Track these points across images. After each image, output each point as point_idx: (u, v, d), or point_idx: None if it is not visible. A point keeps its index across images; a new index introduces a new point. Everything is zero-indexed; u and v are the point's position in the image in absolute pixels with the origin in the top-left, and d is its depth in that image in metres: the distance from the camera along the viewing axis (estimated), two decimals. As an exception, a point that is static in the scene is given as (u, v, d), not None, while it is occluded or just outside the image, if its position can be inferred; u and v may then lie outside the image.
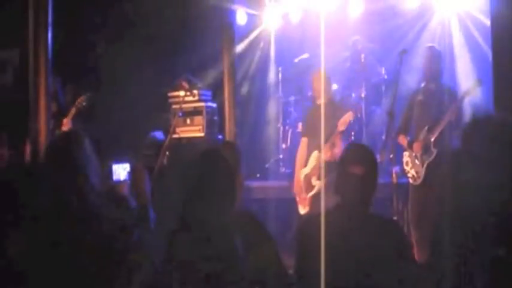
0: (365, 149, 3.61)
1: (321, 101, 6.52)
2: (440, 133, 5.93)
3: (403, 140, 6.29)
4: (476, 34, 7.93)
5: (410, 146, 6.16)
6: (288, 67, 9.33)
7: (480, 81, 5.87)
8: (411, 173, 6.08)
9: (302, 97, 9.07)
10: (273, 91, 9.59)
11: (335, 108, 6.46)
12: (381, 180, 3.54)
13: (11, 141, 5.96)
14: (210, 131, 8.16)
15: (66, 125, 6.86)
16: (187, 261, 2.80)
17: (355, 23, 8.74)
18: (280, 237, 5.67)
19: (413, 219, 6.00)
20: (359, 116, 8.47)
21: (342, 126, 6.27)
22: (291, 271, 3.47)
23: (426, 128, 6.04)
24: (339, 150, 6.16)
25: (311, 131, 6.51)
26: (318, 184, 6.25)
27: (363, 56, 8.72)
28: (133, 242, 3.05)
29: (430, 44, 6.64)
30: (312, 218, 3.45)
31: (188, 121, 8.16)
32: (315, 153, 6.40)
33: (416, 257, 5.13)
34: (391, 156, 5.96)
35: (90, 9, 8.57)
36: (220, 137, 8.30)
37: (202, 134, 8.11)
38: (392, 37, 8.49)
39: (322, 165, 6.18)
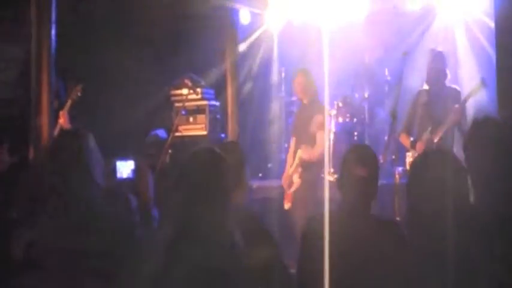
0: (367, 150, 3.62)
1: (304, 100, 6.86)
2: (444, 134, 5.93)
3: (405, 141, 6.28)
4: (480, 35, 7.91)
5: (413, 146, 6.16)
6: (290, 67, 9.33)
7: (484, 82, 5.85)
8: (414, 173, 6.06)
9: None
10: (276, 90, 9.58)
11: (316, 108, 6.68)
12: (383, 180, 3.54)
13: (12, 142, 5.97)
14: (212, 129, 8.16)
15: (63, 117, 6.85)
16: (188, 260, 2.80)
17: (359, 24, 8.72)
18: (282, 237, 5.66)
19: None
20: (362, 116, 8.47)
21: (314, 127, 6.59)
22: (293, 271, 3.47)
23: (429, 129, 6.04)
24: (316, 150, 6.58)
25: (296, 131, 6.96)
26: (297, 182, 6.60)
27: (366, 56, 8.72)
28: (136, 241, 3.06)
29: (434, 46, 6.63)
30: (315, 218, 3.45)
31: (191, 119, 8.16)
32: (298, 152, 6.69)
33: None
34: (394, 156, 5.96)
35: (94, 7, 8.57)
36: (223, 135, 8.30)
37: (205, 133, 8.11)
38: (395, 39, 8.48)
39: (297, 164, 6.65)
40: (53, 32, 5.44)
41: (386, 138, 5.80)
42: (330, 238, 3.08)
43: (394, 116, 5.71)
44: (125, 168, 3.36)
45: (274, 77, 9.68)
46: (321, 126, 6.63)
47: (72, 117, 6.90)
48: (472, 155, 2.94)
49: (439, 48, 6.50)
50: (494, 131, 2.87)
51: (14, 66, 7.93)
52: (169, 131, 7.58)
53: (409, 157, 6.17)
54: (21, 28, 6.17)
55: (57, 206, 3.05)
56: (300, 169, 6.66)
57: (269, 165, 9.12)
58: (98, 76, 8.26)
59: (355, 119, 8.60)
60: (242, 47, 8.88)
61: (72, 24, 7.60)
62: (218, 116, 8.33)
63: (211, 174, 2.90)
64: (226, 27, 8.55)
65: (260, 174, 8.99)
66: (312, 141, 6.63)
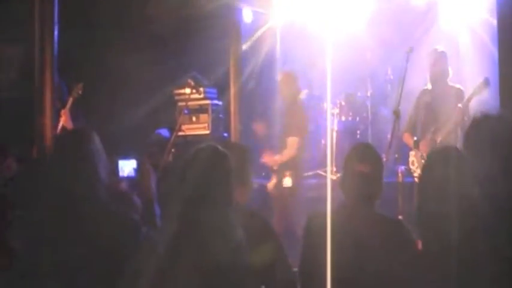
0: (370, 147, 3.62)
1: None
2: (447, 133, 5.92)
3: (408, 140, 6.28)
4: (483, 34, 7.89)
5: (416, 145, 6.15)
6: (293, 66, 9.31)
7: (488, 81, 5.84)
8: (417, 172, 6.07)
9: (308, 96, 9.04)
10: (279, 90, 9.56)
11: (291, 112, 6.81)
12: (386, 179, 3.54)
13: (15, 142, 5.98)
14: (215, 128, 8.17)
15: (64, 116, 6.85)
16: (191, 258, 2.80)
17: (362, 22, 8.71)
18: (286, 235, 5.66)
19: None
20: (365, 115, 8.47)
21: (286, 132, 6.74)
22: (295, 269, 3.47)
23: (433, 128, 6.03)
24: (283, 155, 6.72)
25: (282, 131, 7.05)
26: (271, 189, 6.83)
27: (368, 54, 8.71)
28: (141, 239, 3.06)
29: (436, 46, 6.62)
30: (317, 216, 3.46)
31: (194, 119, 8.17)
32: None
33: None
34: (397, 155, 5.96)
35: (98, 7, 8.57)
36: (225, 135, 8.30)
37: (207, 132, 8.12)
38: (398, 37, 8.47)
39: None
40: (56, 31, 5.45)
41: (389, 136, 5.79)
42: (331, 236, 3.08)
43: (397, 114, 5.71)
44: (127, 167, 3.37)
45: (277, 76, 9.67)
46: (294, 131, 6.67)
47: (74, 117, 6.91)
48: (469, 152, 2.94)
49: (442, 48, 6.48)
50: (492, 128, 2.87)
51: (16, 65, 7.94)
52: (172, 130, 7.60)
53: (412, 156, 6.16)
54: (23, 28, 6.18)
55: (64, 203, 3.06)
56: (274, 176, 6.74)
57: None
58: (101, 75, 8.27)
59: (357, 118, 8.61)
60: (245, 46, 8.87)
61: (75, 24, 7.60)
62: (221, 116, 8.33)
63: (213, 170, 2.90)
64: (229, 26, 8.54)
65: (263, 173, 8.99)
66: (284, 145, 6.70)
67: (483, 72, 6.81)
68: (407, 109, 6.31)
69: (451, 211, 2.57)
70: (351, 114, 8.59)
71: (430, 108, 6.16)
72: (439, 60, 6.25)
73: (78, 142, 3.17)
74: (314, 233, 3.37)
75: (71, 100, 6.99)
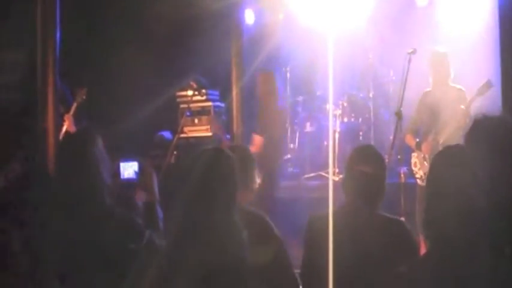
0: (372, 148, 3.63)
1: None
2: (449, 135, 5.91)
3: (411, 142, 6.27)
4: (485, 35, 7.88)
5: (418, 147, 6.15)
6: (295, 67, 9.32)
7: (491, 82, 5.81)
8: (419, 173, 6.07)
9: (310, 97, 9.06)
10: (281, 90, 9.55)
11: (264, 114, 6.88)
12: (388, 180, 3.54)
13: (18, 145, 5.98)
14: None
15: (68, 120, 6.86)
16: (193, 260, 2.81)
17: (364, 23, 8.71)
18: (288, 236, 5.67)
19: (421, 219, 5.97)
20: (367, 116, 8.46)
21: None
22: (298, 270, 3.48)
23: (435, 130, 6.03)
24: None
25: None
26: None
27: (370, 55, 8.71)
28: (144, 241, 3.07)
29: (438, 47, 6.61)
30: (319, 217, 3.46)
31: (196, 121, 8.18)
32: None
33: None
34: (399, 156, 5.96)
35: (101, 10, 8.59)
36: (228, 136, 8.30)
37: (210, 134, 8.13)
38: (400, 37, 8.46)
39: None
40: (58, 35, 5.45)
41: (391, 138, 5.80)
42: (333, 238, 3.08)
43: (399, 115, 5.72)
44: (128, 169, 3.37)
45: (279, 77, 9.67)
46: (261, 130, 6.77)
47: (77, 121, 6.92)
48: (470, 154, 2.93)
49: (443, 49, 6.47)
50: (492, 130, 2.87)
51: (18, 69, 7.95)
52: (174, 132, 7.61)
53: (414, 158, 6.16)
54: (25, 31, 6.19)
55: (69, 205, 3.06)
56: None
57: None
58: (102, 77, 8.27)
59: (360, 119, 8.60)
60: (247, 48, 8.87)
61: (77, 27, 7.61)
62: (223, 117, 8.34)
63: (217, 171, 2.90)
64: (231, 27, 8.54)
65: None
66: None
67: (485, 73, 6.81)
68: (409, 110, 6.30)
69: (458, 212, 2.57)
70: (353, 115, 8.59)
71: (432, 109, 6.15)
72: (440, 60, 6.25)
73: (83, 144, 3.17)
74: (316, 234, 3.37)
75: (75, 105, 6.99)
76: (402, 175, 5.83)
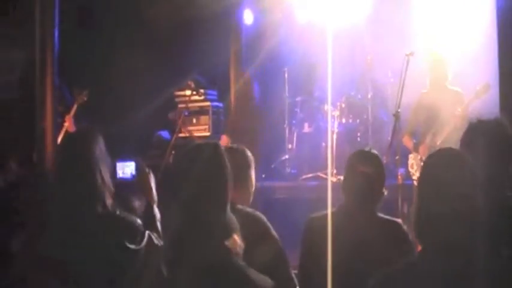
0: (372, 152, 3.64)
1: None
2: (447, 137, 5.92)
3: (408, 143, 6.28)
4: (483, 36, 7.88)
5: (416, 148, 6.16)
6: (294, 67, 9.33)
7: (488, 85, 5.81)
8: (416, 175, 6.07)
9: (308, 97, 9.06)
10: (279, 91, 9.56)
11: (243, 112, 7.05)
12: (386, 181, 3.56)
13: (16, 145, 5.99)
14: (216, 130, 8.18)
15: (68, 121, 6.86)
16: (190, 260, 2.81)
17: (362, 24, 8.71)
18: (285, 237, 5.68)
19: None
20: (365, 117, 8.46)
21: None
22: (295, 271, 3.48)
23: (432, 131, 6.03)
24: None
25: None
26: None
27: (369, 57, 8.72)
28: (144, 241, 3.07)
29: (435, 49, 6.61)
30: (317, 218, 3.47)
31: (194, 120, 8.19)
32: None
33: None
34: (397, 157, 5.96)
35: (100, 10, 8.59)
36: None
37: (208, 134, 8.14)
38: (398, 38, 8.47)
39: None
40: (56, 34, 5.46)
41: (389, 139, 5.81)
42: (331, 238, 3.09)
43: (397, 116, 5.72)
44: (125, 169, 3.36)
45: (278, 77, 9.68)
46: (229, 130, 6.85)
47: (77, 121, 6.92)
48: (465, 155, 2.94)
49: (441, 51, 6.48)
50: (488, 133, 2.87)
51: (17, 69, 7.95)
52: (172, 132, 7.62)
53: (412, 159, 6.18)
54: (24, 30, 6.19)
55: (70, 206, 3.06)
56: None
57: (272, 165, 9.11)
58: (101, 77, 8.28)
59: (358, 120, 8.61)
60: (246, 48, 8.88)
61: (77, 27, 7.62)
62: (222, 117, 8.35)
63: (212, 167, 2.87)
64: (230, 28, 8.55)
65: (263, 175, 8.99)
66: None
67: (483, 76, 6.82)
68: (407, 112, 6.31)
69: (450, 212, 2.57)
70: (351, 116, 8.59)
71: (429, 111, 6.16)
72: (439, 63, 6.25)
73: (85, 143, 3.16)
74: (314, 235, 3.38)
75: (76, 106, 6.99)
76: (400, 176, 5.84)
